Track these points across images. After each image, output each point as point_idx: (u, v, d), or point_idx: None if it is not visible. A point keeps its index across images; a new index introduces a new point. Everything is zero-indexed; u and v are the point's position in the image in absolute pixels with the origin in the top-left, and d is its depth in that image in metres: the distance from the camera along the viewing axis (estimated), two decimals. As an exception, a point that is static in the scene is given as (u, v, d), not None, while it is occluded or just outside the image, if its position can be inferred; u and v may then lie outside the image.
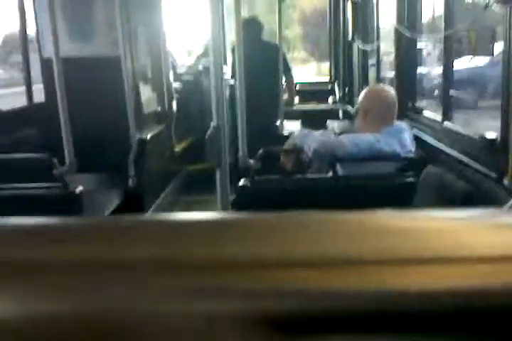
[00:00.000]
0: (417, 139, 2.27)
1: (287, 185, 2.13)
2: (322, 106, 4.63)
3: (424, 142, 2.31)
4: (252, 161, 2.06)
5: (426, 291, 0.32)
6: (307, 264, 0.33)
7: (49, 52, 2.70)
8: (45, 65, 3.17)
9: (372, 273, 0.33)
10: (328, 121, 4.11)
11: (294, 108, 4.37)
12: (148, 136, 3.27)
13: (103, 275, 0.33)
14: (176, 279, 0.33)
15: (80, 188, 2.29)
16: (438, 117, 2.33)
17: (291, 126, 3.91)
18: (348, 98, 4.62)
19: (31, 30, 3.46)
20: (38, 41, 3.36)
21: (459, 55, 2.11)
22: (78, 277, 0.34)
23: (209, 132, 1.38)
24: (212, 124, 1.39)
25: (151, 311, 0.33)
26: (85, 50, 3.28)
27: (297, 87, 4.77)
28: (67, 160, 2.32)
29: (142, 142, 3.09)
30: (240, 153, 2.05)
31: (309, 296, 0.32)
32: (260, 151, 2.13)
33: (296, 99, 4.66)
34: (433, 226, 0.37)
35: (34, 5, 3.29)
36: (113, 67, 2.95)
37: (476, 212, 0.40)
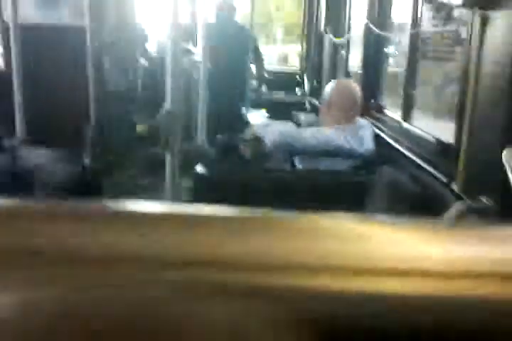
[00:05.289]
0: (377, 138, 2.29)
1: (243, 174, 2.12)
2: (289, 97, 4.62)
3: (384, 141, 2.32)
4: (209, 147, 2.03)
5: (363, 301, 0.32)
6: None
7: (10, 17, 2.59)
8: (6, 31, 3.04)
9: (311, 279, 0.32)
10: (294, 113, 4.11)
11: (262, 97, 4.33)
12: (109, 114, 3.19)
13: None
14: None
15: (31, 162, 2.22)
16: (398, 117, 2.34)
17: (258, 115, 3.88)
18: (316, 90, 4.62)
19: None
20: (0, 6, 3.23)
21: (424, 56, 2.12)
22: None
23: (161, 115, 1.34)
24: (165, 108, 1.34)
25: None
26: (50, 17, 3.16)
27: (266, 76, 4.74)
28: (18, 132, 2.24)
29: (102, 119, 3.02)
30: (198, 139, 2.02)
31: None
32: (218, 138, 2.10)
33: (264, 88, 4.63)
34: (377, 235, 0.36)
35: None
36: (77, 38, 2.85)
37: (419, 223, 0.40)
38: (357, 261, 0.33)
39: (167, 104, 1.34)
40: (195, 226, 0.35)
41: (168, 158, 1.39)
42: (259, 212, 0.38)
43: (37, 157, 2.48)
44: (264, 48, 5.34)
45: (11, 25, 2.15)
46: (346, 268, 0.32)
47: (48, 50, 3.03)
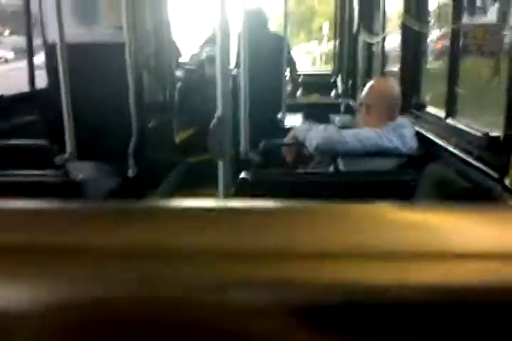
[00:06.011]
0: (419, 136, 2.26)
1: (288, 179, 2.13)
2: (325, 100, 4.61)
3: (427, 139, 2.30)
4: (253, 154, 2.05)
5: (422, 287, 0.32)
6: (305, 256, 0.33)
7: (53, 36, 2.68)
8: (49, 49, 3.14)
9: (369, 266, 0.33)
10: (331, 115, 4.10)
11: (297, 101, 4.34)
12: (150, 126, 3.26)
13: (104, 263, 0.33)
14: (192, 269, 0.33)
15: (80, 176, 2.29)
16: (441, 114, 2.31)
17: (294, 119, 3.89)
18: (351, 92, 4.60)
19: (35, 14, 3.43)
20: (42, 25, 3.34)
21: (466, 50, 2.09)
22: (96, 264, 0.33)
23: (213, 123, 1.36)
24: (216, 115, 1.37)
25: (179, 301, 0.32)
26: (89, 35, 3.26)
27: (300, 79, 4.75)
28: (68, 148, 2.31)
29: (143, 131, 3.08)
30: (242, 146, 2.04)
31: (309, 288, 0.32)
32: (261, 144, 2.12)
33: (299, 92, 4.64)
34: (433, 220, 0.37)
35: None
36: (117, 53, 2.93)
37: (477, 208, 0.40)
38: (416, 246, 0.33)
39: (218, 111, 1.37)
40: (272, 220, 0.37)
41: (220, 164, 1.42)
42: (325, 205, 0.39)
43: (85, 171, 2.55)
44: (308, 46, 5.31)
45: (57, 43, 2.23)
46: (407, 254, 0.33)
47: (89, 67, 3.12)
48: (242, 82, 1.91)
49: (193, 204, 0.41)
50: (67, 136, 2.23)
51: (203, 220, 0.37)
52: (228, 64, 1.51)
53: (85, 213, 0.39)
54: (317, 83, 5.18)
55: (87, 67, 3.12)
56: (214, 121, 1.36)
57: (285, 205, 0.41)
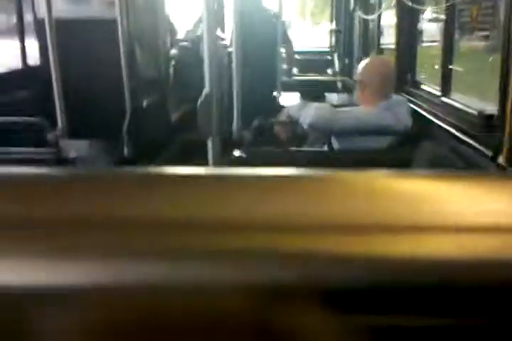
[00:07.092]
0: (414, 113, 2.25)
1: (281, 157, 2.12)
2: (321, 78, 4.58)
3: (422, 117, 2.29)
4: (246, 132, 2.04)
5: (411, 260, 0.32)
6: (294, 228, 0.33)
7: (43, 13, 2.64)
8: (40, 26, 3.09)
9: (361, 239, 0.33)
10: (327, 94, 4.07)
11: (293, 79, 4.31)
12: (144, 103, 3.23)
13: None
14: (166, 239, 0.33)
15: (73, 154, 2.28)
16: (436, 92, 2.30)
17: (290, 98, 3.87)
18: (348, 70, 4.56)
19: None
20: (33, 2, 3.29)
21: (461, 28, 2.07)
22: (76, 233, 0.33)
23: (200, 100, 1.35)
24: (204, 92, 1.35)
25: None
26: (81, 11, 3.21)
27: (296, 57, 4.71)
28: (59, 124, 2.30)
29: (137, 109, 3.06)
30: (235, 123, 2.02)
31: (290, 261, 0.32)
32: (255, 122, 2.11)
33: (295, 70, 4.60)
34: (425, 191, 0.36)
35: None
36: (109, 29, 2.88)
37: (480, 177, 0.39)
38: (419, 219, 0.32)
39: (206, 88, 1.35)
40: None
41: (209, 143, 1.41)
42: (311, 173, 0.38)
43: (78, 149, 2.54)
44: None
45: (45, 20, 2.20)
46: (413, 227, 0.32)
47: (81, 43, 3.08)
48: (235, 60, 1.89)
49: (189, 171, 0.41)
50: (58, 112, 2.21)
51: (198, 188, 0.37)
52: (216, 39, 1.48)
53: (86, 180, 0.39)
54: (314, 61, 5.13)
55: (79, 43, 3.08)
56: (201, 98, 1.34)
57: (273, 174, 0.40)
